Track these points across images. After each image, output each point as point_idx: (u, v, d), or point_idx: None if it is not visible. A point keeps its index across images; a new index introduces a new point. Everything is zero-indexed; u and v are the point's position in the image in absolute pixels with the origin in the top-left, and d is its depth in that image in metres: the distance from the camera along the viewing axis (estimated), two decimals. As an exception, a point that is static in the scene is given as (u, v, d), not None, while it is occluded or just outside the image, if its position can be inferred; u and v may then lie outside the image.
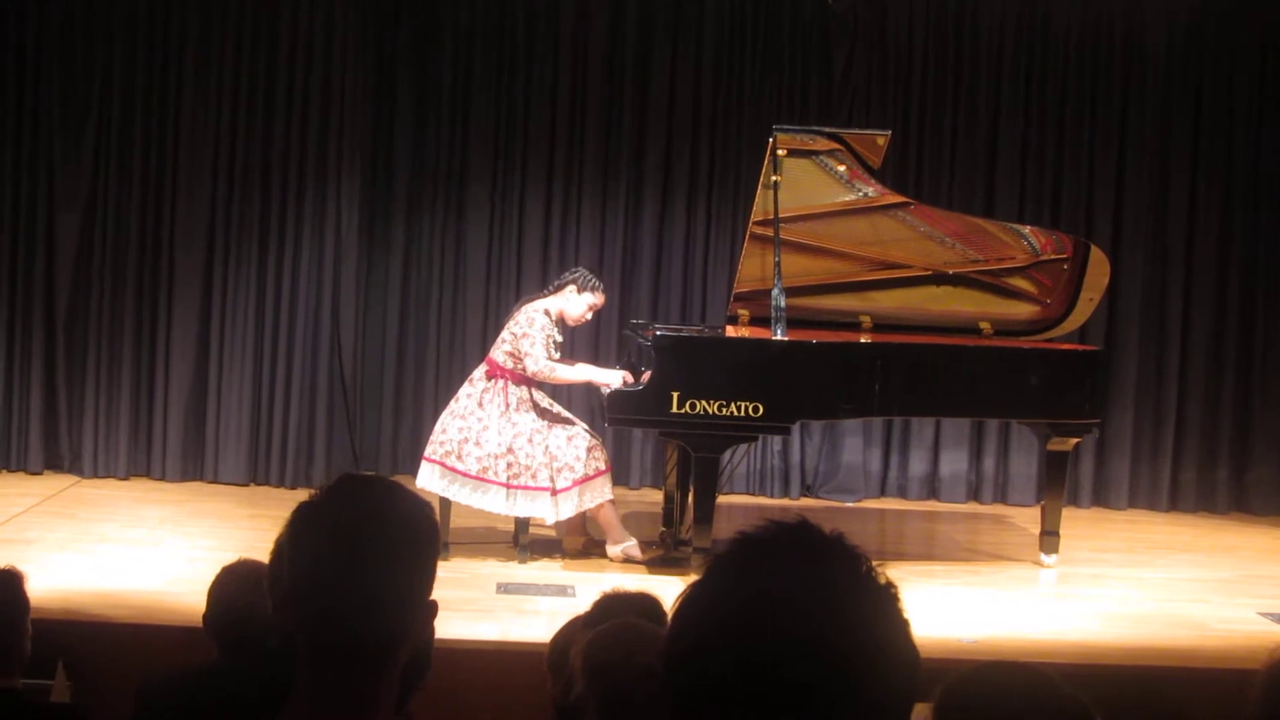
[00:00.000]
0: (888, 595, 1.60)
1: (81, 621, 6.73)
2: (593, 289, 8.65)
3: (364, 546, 2.17)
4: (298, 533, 2.24)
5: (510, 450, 8.40)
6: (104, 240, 10.71)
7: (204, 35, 10.69)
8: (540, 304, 8.61)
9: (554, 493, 8.40)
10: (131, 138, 10.68)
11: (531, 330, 8.43)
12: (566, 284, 8.68)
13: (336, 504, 2.24)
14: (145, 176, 10.71)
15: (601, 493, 8.52)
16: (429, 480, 8.40)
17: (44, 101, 10.66)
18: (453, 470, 8.43)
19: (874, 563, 1.63)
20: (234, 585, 4.62)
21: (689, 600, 1.61)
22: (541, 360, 8.40)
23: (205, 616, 4.63)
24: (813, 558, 1.60)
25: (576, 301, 8.63)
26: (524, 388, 8.51)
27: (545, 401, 8.63)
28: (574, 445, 8.46)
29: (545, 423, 8.50)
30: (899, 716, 1.56)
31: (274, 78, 10.77)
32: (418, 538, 2.24)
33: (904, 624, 1.59)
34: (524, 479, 8.40)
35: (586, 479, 8.47)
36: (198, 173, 10.71)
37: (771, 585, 1.56)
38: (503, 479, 8.39)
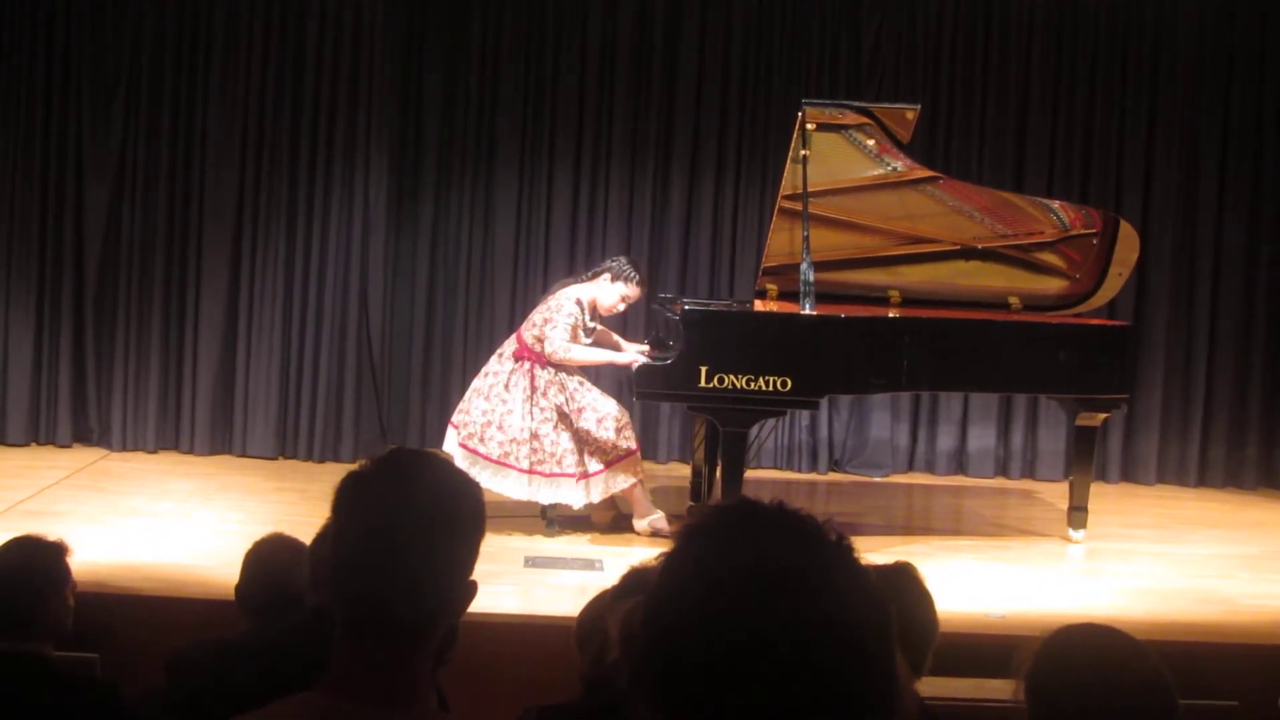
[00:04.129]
0: (849, 553, 1.58)
1: (110, 594, 6.74)
2: (627, 279, 8.60)
3: (409, 524, 2.16)
4: (343, 505, 2.23)
5: (535, 436, 8.37)
6: (132, 213, 10.74)
7: (232, 9, 10.70)
8: (574, 290, 8.58)
9: (583, 477, 8.39)
10: (160, 112, 10.70)
11: (558, 316, 8.40)
12: (603, 271, 8.65)
13: (384, 479, 2.23)
14: (174, 151, 10.73)
15: (632, 473, 8.51)
16: (454, 455, 8.40)
17: (73, 75, 10.67)
18: (474, 452, 8.42)
19: (826, 523, 1.60)
20: (268, 557, 4.65)
21: (668, 575, 1.58)
22: (558, 342, 8.35)
23: (238, 588, 4.65)
24: (779, 529, 1.57)
25: (609, 290, 8.60)
26: (550, 370, 8.45)
27: (574, 382, 8.53)
28: (603, 428, 8.42)
29: (573, 407, 8.44)
30: (888, 683, 1.54)
31: (302, 54, 10.77)
32: (464, 518, 2.23)
33: (869, 583, 1.57)
34: (548, 466, 8.37)
35: (616, 460, 8.45)
36: (226, 148, 10.72)
37: (751, 558, 1.54)
38: (524, 465, 8.37)
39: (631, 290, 8.65)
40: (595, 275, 8.68)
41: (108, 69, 10.66)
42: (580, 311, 8.49)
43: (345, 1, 10.75)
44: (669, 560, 1.59)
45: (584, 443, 8.41)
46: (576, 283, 8.70)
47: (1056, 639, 3.06)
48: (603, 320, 8.83)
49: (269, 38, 10.74)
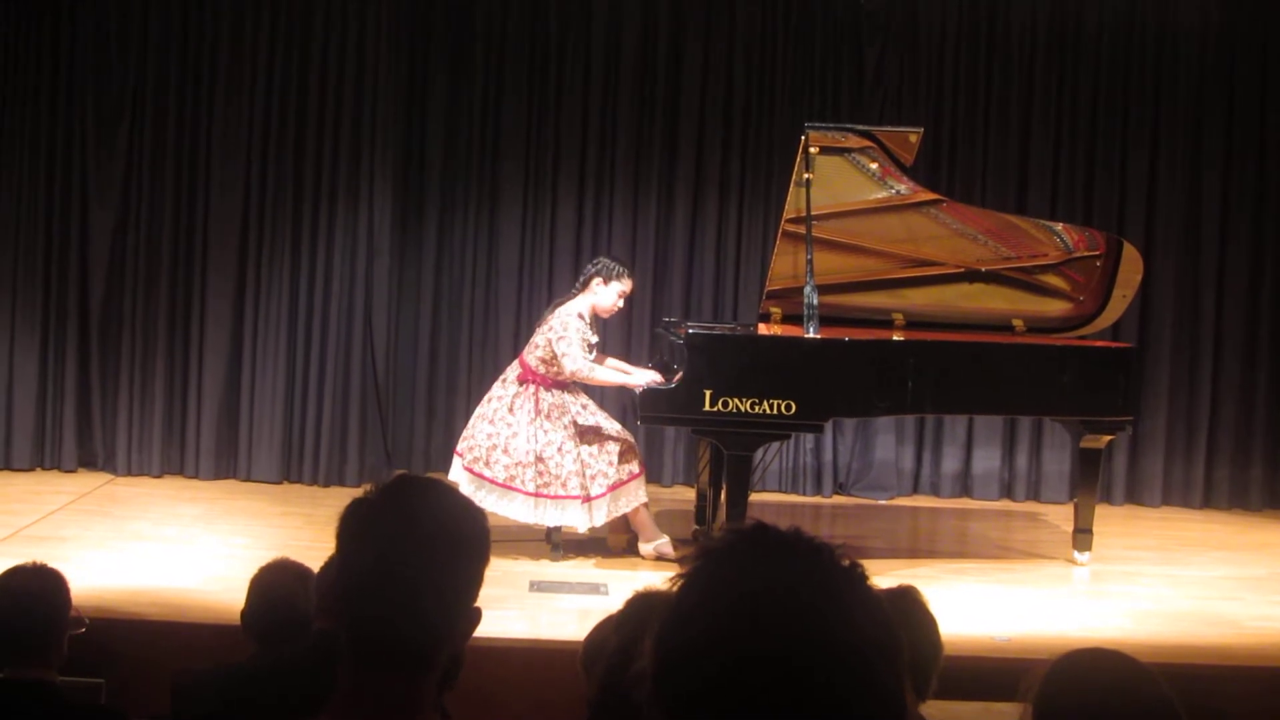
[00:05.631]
0: (863, 580, 1.60)
1: (115, 619, 6.74)
2: (618, 276, 8.60)
3: (414, 551, 2.17)
4: (349, 531, 2.24)
5: (540, 459, 8.37)
6: (137, 237, 10.75)
7: (237, 32, 10.71)
8: (572, 306, 8.57)
9: (587, 500, 8.37)
10: (164, 135, 10.72)
11: (567, 333, 8.39)
12: (591, 278, 8.63)
13: (388, 506, 2.23)
14: (178, 174, 10.75)
15: (636, 497, 8.50)
16: (459, 480, 8.40)
17: (77, 99, 10.69)
18: (479, 476, 8.42)
19: (839, 549, 1.61)
20: (273, 582, 4.65)
21: (683, 596, 1.59)
22: (580, 360, 8.36)
23: (244, 613, 4.65)
24: (792, 554, 1.59)
25: (605, 292, 8.59)
26: (555, 393, 8.47)
27: (578, 405, 8.54)
28: (607, 451, 8.43)
29: (578, 429, 8.44)
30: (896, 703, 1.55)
31: (307, 75, 10.79)
32: (469, 544, 2.24)
33: (880, 607, 1.58)
34: (554, 488, 8.36)
35: (620, 484, 8.44)
36: (230, 171, 10.74)
37: (764, 582, 1.55)
38: (530, 488, 8.36)
39: (626, 284, 8.64)
40: (584, 284, 8.65)
41: (111, 95, 10.67)
42: (584, 325, 8.49)
43: (349, 25, 10.77)
44: (684, 581, 1.60)
45: (589, 466, 8.40)
46: (569, 300, 8.69)
47: (1064, 663, 3.06)
48: (603, 328, 8.84)
49: (272, 61, 10.76)
